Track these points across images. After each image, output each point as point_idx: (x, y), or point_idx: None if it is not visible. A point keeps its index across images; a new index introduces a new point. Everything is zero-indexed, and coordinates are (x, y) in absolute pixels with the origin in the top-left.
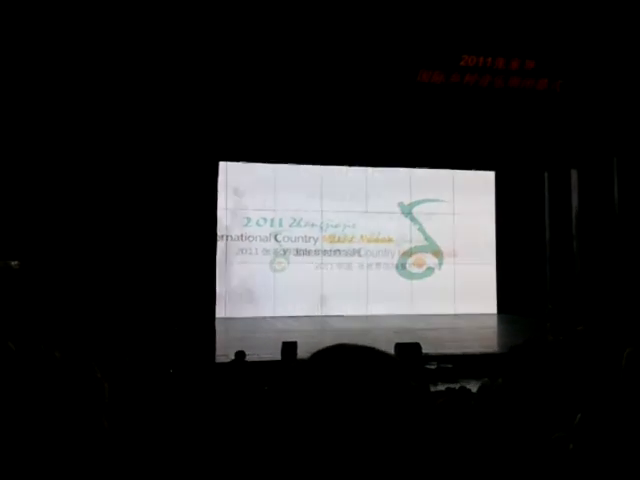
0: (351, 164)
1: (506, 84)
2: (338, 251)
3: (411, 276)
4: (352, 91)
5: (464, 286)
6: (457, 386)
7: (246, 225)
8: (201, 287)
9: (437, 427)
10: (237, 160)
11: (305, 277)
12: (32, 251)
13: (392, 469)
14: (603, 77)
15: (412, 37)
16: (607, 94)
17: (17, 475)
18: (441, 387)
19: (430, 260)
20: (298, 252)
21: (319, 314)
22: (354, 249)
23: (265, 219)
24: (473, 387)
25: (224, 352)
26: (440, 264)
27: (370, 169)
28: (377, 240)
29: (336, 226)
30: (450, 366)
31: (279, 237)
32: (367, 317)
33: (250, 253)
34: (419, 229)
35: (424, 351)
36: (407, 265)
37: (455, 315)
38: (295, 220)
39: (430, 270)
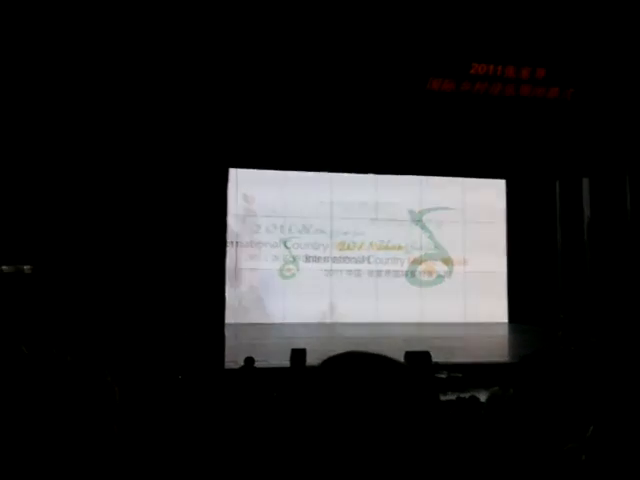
0: (361, 171)
1: (517, 92)
2: (347, 258)
3: (421, 284)
4: (363, 99)
5: (474, 294)
6: (467, 395)
7: (256, 232)
8: (210, 293)
9: (447, 435)
10: (247, 167)
11: (314, 284)
12: (45, 256)
13: (402, 477)
14: (614, 85)
15: (422, 45)
16: (618, 102)
17: (27, 478)
18: (451, 396)
19: (440, 268)
20: (307, 259)
21: (328, 321)
22: (364, 256)
23: (275, 225)
24: (483, 396)
25: (233, 358)
26: (450, 272)
27: (380, 176)
28: (387, 247)
29: (346, 233)
30: (460, 375)
31: (289, 244)
32: (376, 325)
33: (259, 259)
34: (429, 237)
35: (434, 360)
36: (417, 273)
37: (465, 324)
38: (305, 227)
39: (440, 278)
